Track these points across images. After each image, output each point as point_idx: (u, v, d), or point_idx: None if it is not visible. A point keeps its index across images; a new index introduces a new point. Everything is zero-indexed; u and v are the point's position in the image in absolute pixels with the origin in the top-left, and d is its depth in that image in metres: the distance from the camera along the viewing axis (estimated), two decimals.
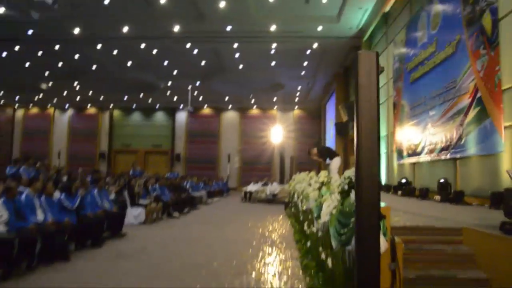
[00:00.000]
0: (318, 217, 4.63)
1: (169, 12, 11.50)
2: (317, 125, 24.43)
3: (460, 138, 5.92)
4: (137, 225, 8.32)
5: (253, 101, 24.12)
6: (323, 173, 4.96)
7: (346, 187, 3.12)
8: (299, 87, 21.02)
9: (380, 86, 8.35)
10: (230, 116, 26.12)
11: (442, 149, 6.52)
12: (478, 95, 5.45)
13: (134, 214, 8.38)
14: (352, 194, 2.85)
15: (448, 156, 6.26)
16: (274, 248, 6.13)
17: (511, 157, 4.95)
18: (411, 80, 8.25)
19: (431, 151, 7.03)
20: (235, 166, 24.99)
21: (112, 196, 8.46)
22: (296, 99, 23.28)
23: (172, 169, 18.51)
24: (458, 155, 6.00)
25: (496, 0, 5.20)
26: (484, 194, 5.21)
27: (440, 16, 6.96)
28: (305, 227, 5.46)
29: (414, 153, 7.90)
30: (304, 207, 5.76)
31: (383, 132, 10.48)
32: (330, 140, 19.97)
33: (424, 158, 7.36)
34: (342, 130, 15.20)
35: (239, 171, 25.20)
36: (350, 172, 3.11)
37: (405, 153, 8.45)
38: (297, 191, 7.96)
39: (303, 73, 18.17)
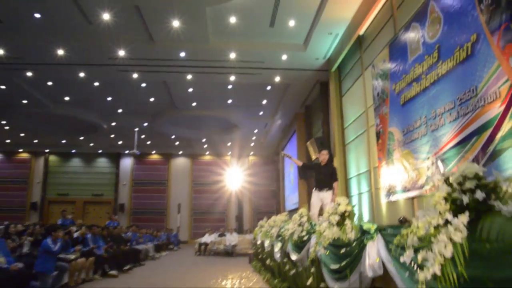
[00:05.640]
0: (337, 272, 2.95)
1: (113, 32, 9.88)
2: (274, 172, 23.03)
3: (490, 158, 4.59)
4: None
5: (205, 146, 22.45)
6: (342, 200, 3.33)
7: (479, 195, 1.53)
8: (256, 130, 19.75)
9: (355, 118, 6.98)
10: (181, 162, 24.20)
11: None
12: None
13: (52, 274, 6.17)
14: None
15: None
16: None
17: None
18: (402, 102, 7.07)
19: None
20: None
21: (26, 249, 6.32)
22: (252, 143, 21.93)
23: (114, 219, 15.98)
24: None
25: None
26: None
27: (441, 21, 5.91)
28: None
29: (414, 186, 6.52)
30: (308, 256, 3.99)
31: (363, 168, 9.16)
32: (290, 186, 18.58)
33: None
34: (307, 172, 13.76)
35: (190, 222, 22.92)
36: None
37: (399, 188, 7.06)
38: (272, 236, 6.21)
39: (261, 113, 16.97)
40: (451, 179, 1.72)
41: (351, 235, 2.89)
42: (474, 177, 1.64)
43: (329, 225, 3.23)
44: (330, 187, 7.30)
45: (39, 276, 5.63)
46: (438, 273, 1.59)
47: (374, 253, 2.43)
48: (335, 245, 3.14)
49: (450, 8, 5.66)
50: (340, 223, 3.14)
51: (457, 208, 1.65)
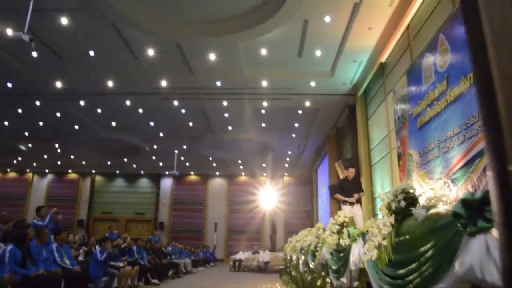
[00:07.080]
0: (337, 271, 3.59)
1: (156, 66, 11.00)
2: (308, 192, 23.50)
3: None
4: None
5: (241, 167, 23.31)
6: (341, 213, 3.99)
7: (402, 203, 2.19)
8: (290, 152, 20.43)
9: (379, 140, 7.58)
10: (218, 183, 25.15)
11: None
12: None
13: (103, 279, 7.06)
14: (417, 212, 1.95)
15: None
16: None
17: None
18: (418, 125, 7.59)
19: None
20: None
21: (81, 257, 7.27)
22: (286, 164, 22.58)
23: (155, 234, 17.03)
24: None
25: None
26: None
27: (448, 52, 6.48)
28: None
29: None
30: (315, 261, 4.65)
31: (387, 188, 9.62)
32: (323, 206, 19.00)
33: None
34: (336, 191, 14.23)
35: (226, 240, 23.66)
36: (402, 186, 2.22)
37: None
38: (297, 250, 6.84)
39: (294, 135, 17.66)
40: (392, 193, 2.38)
41: (347, 240, 3.52)
42: (403, 191, 2.29)
43: (331, 233, 3.88)
44: (359, 201, 7.91)
45: (93, 280, 6.52)
46: (375, 256, 2.25)
47: (356, 252, 3.06)
48: (337, 250, 3.78)
49: (456, 40, 6.23)
50: (340, 232, 3.78)
51: (392, 213, 2.30)
